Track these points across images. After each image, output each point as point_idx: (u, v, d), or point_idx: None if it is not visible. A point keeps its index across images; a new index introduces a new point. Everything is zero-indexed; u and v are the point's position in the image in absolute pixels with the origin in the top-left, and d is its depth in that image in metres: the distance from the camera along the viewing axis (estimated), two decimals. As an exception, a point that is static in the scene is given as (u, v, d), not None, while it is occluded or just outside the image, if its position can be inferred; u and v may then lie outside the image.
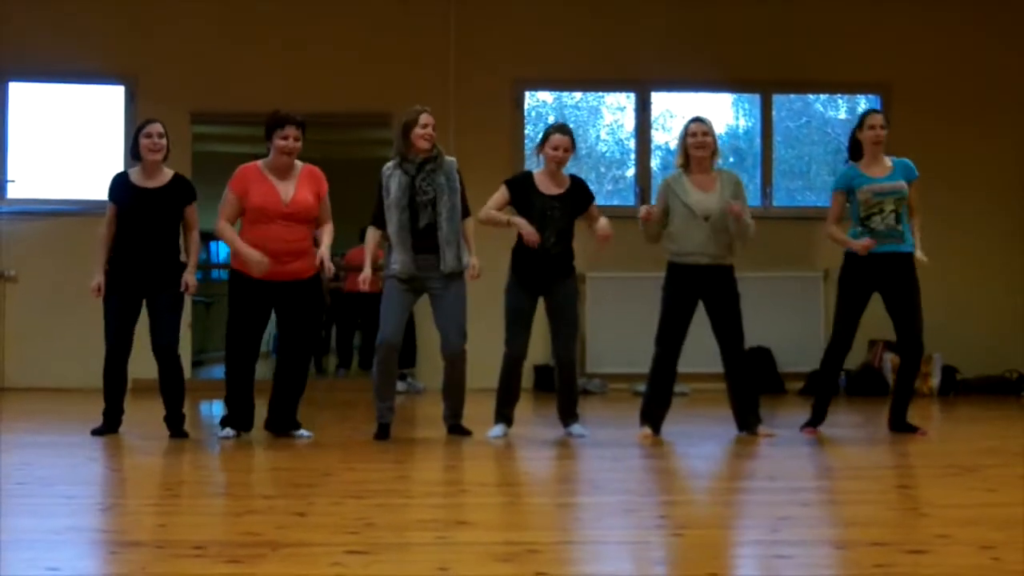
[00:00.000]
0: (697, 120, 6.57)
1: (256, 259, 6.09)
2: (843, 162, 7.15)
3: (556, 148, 6.46)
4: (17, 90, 10.44)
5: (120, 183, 6.48)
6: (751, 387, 6.57)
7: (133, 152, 6.49)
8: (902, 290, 6.49)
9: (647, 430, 6.47)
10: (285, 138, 6.16)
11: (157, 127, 6.44)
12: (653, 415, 6.51)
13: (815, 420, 6.65)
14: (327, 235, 6.31)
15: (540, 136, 6.65)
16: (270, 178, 6.23)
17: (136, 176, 6.46)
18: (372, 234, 6.47)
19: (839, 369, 6.74)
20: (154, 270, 6.37)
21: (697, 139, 6.47)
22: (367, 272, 6.37)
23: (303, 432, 6.35)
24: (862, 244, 6.47)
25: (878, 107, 10.50)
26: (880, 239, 6.48)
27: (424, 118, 6.30)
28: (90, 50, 10.25)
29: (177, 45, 10.28)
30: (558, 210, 6.46)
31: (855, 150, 6.70)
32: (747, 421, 6.50)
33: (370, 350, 12.48)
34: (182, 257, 6.50)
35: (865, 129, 6.60)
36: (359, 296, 12.09)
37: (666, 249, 6.51)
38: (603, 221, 6.54)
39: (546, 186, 6.51)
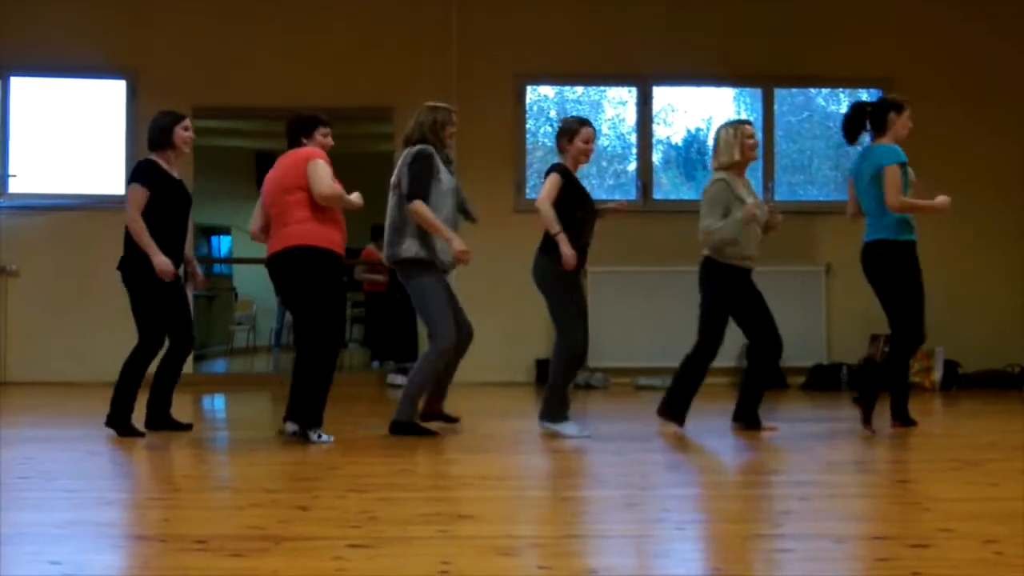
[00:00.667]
0: (749, 122, 6.53)
1: (357, 197, 6.11)
2: (844, 145, 7.09)
3: (588, 141, 6.33)
4: (18, 84, 10.44)
5: (154, 169, 6.30)
6: (766, 384, 6.56)
7: (162, 142, 6.33)
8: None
9: (677, 427, 6.38)
10: (326, 135, 6.29)
11: (189, 121, 6.47)
12: (683, 407, 6.40)
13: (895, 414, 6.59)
14: None
15: (559, 132, 6.41)
16: None
17: (163, 165, 6.37)
18: (429, 209, 6.16)
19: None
20: (181, 258, 6.40)
21: (754, 141, 6.43)
22: (460, 243, 6.15)
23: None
24: (944, 200, 6.31)
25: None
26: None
27: (455, 118, 6.42)
28: (91, 44, 10.25)
29: (179, 39, 10.29)
30: (595, 209, 6.43)
31: (878, 122, 6.44)
32: (742, 414, 6.50)
33: (371, 347, 12.60)
34: None
35: (904, 118, 6.42)
36: (372, 293, 12.18)
37: (723, 251, 6.34)
38: None
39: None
